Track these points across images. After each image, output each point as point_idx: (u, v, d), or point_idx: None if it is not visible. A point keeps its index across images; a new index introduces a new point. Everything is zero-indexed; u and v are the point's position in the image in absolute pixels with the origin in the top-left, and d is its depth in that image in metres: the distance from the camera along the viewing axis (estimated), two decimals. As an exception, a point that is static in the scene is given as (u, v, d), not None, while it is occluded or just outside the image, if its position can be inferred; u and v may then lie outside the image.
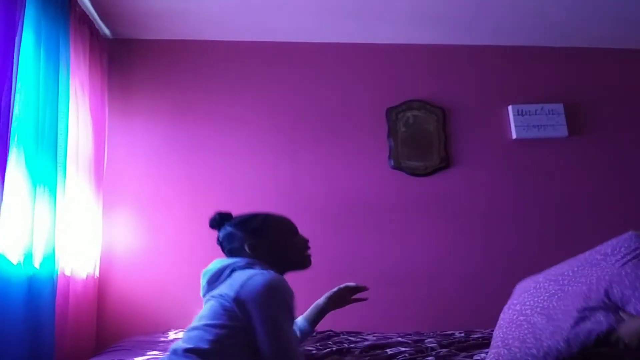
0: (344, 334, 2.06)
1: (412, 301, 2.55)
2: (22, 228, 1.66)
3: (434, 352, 1.62)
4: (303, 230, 1.37)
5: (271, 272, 1.22)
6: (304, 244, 1.41)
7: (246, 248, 1.31)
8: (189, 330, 1.18)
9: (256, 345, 1.12)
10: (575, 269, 1.23)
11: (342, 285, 1.57)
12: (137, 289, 2.44)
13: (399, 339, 1.90)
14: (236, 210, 1.45)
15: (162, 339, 1.92)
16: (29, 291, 1.68)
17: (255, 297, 1.13)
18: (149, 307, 2.41)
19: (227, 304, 1.15)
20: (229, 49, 2.81)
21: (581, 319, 1.07)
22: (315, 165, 2.71)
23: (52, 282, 1.81)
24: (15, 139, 1.65)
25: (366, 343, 1.81)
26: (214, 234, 1.42)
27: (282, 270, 1.33)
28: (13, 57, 1.63)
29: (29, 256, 1.68)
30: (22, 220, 1.67)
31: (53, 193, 1.85)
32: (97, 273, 2.34)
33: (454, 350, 1.65)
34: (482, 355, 1.51)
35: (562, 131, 2.86)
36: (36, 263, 1.74)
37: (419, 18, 2.68)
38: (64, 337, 1.91)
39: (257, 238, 1.32)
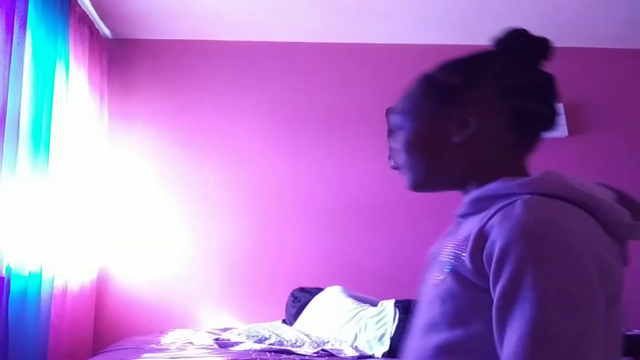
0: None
1: (411, 301, 2.55)
2: (17, 229, 1.66)
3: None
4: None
5: None
6: None
7: None
8: None
9: None
10: None
11: None
12: (136, 290, 2.44)
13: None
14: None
15: (160, 339, 1.92)
16: (25, 293, 1.67)
17: None
18: (148, 307, 2.41)
19: None
20: (229, 49, 2.81)
21: None
22: (315, 165, 2.71)
23: (49, 283, 1.81)
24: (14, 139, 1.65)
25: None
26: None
27: None
28: (12, 57, 1.63)
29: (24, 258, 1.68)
30: (18, 220, 1.66)
31: (51, 194, 1.85)
32: (94, 274, 2.34)
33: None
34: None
35: (562, 131, 2.86)
36: (32, 265, 1.73)
37: (419, 18, 2.68)
38: (60, 338, 1.90)
39: None
